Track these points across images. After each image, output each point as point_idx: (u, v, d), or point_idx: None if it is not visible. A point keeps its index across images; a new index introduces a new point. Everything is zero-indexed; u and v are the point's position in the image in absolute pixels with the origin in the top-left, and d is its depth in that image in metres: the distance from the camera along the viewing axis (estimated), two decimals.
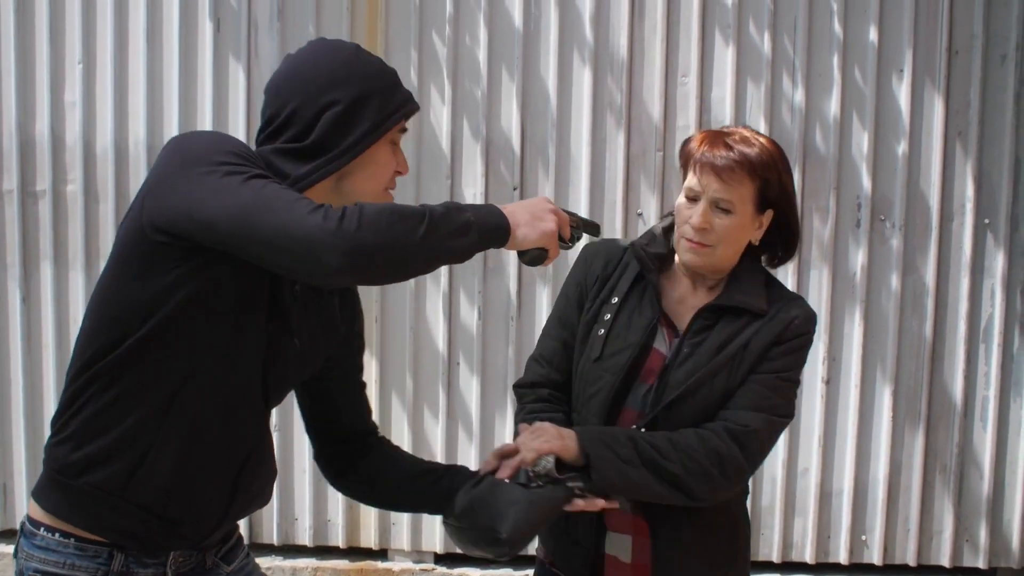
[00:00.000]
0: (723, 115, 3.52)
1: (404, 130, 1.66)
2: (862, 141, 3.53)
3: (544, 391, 1.96)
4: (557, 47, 3.54)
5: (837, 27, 3.50)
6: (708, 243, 1.82)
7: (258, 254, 1.40)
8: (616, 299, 1.91)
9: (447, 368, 3.63)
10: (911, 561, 3.67)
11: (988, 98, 3.53)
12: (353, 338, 1.84)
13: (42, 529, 1.58)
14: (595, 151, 3.56)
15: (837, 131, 3.51)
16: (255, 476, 1.69)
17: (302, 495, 3.69)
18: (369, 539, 3.72)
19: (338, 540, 3.72)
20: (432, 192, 3.51)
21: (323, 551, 3.74)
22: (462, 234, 1.46)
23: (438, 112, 3.57)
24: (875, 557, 3.66)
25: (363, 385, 1.90)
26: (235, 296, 1.53)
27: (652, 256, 1.90)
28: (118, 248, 1.53)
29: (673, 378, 1.81)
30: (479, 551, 1.73)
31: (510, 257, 3.58)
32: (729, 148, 1.80)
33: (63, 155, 3.62)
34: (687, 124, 3.53)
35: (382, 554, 3.75)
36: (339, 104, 1.55)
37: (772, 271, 1.96)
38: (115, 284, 1.52)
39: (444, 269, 3.58)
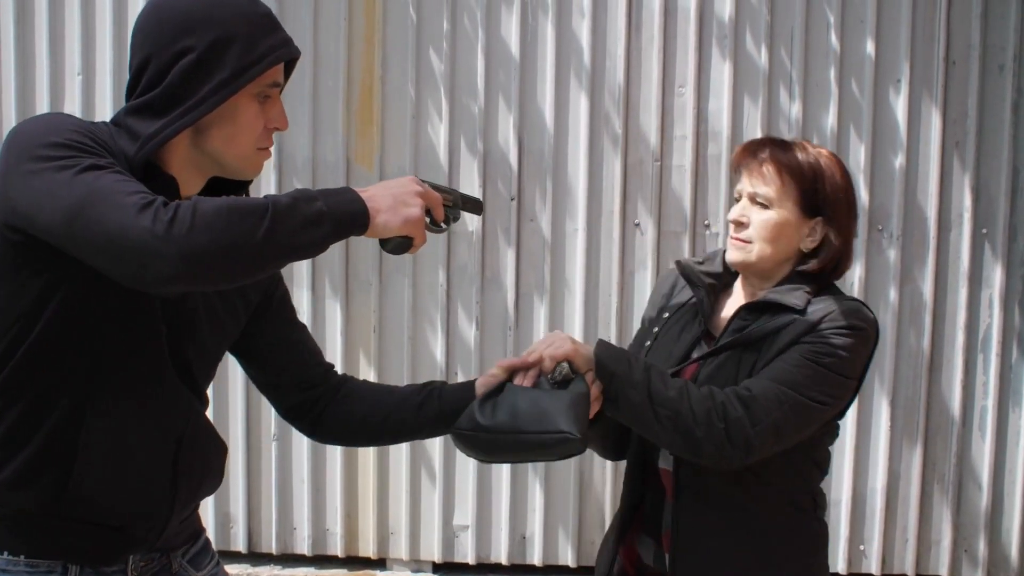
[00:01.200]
0: (720, 126, 3.53)
1: (277, 84, 1.49)
2: (859, 152, 3.53)
3: None
4: (554, 59, 3.54)
5: (834, 39, 3.51)
6: (746, 238, 1.82)
7: (91, 260, 1.30)
8: (667, 315, 1.96)
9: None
10: (909, 571, 3.67)
11: (985, 108, 3.53)
12: (271, 289, 1.74)
13: None
14: (592, 162, 3.57)
15: (834, 143, 3.51)
16: (194, 457, 1.60)
17: (300, 505, 3.69)
18: (368, 548, 3.73)
19: (337, 549, 3.73)
20: None
21: (322, 560, 3.75)
22: (312, 226, 1.33)
23: (435, 124, 3.58)
24: (873, 567, 3.65)
25: (301, 329, 1.81)
26: (117, 290, 1.40)
27: (703, 273, 1.91)
28: None
29: (703, 372, 1.81)
30: (532, 458, 1.71)
31: (507, 268, 3.59)
32: (764, 147, 1.84)
33: None
34: (684, 134, 3.54)
35: (380, 563, 3.75)
36: (194, 51, 1.40)
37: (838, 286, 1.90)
38: None
39: (441, 280, 3.59)
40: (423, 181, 1.53)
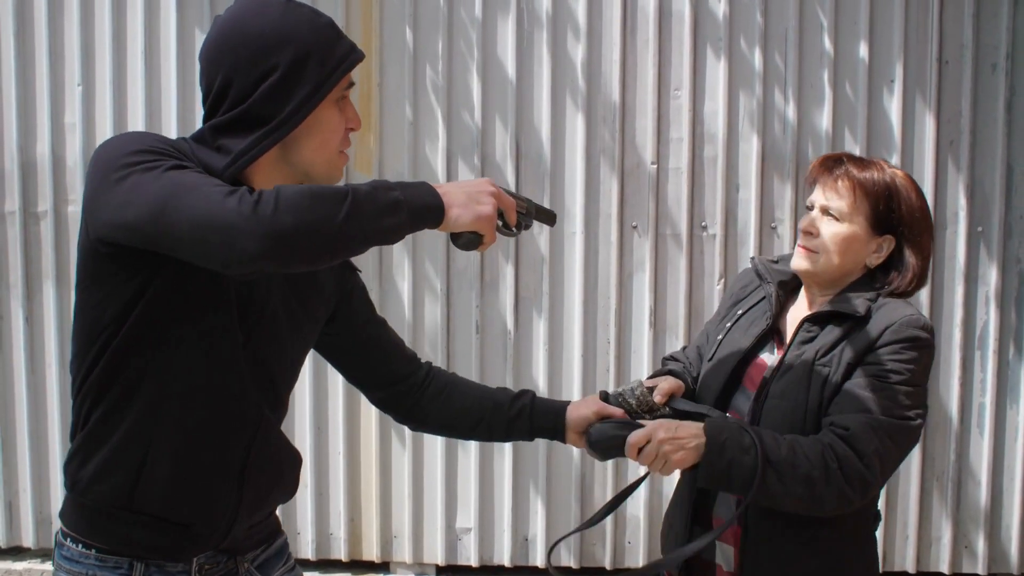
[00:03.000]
0: (716, 128, 3.55)
1: (351, 84, 1.58)
2: (854, 152, 3.54)
3: (673, 362, 2.16)
4: (550, 64, 3.57)
5: (827, 41, 3.53)
6: (813, 248, 1.86)
7: (178, 247, 1.35)
8: (740, 311, 2.01)
9: None
10: (910, 568, 3.69)
11: (979, 107, 3.55)
12: (349, 290, 1.81)
13: (68, 540, 1.61)
14: (589, 165, 3.59)
15: (830, 144, 3.54)
16: (263, 465, 1.65)
17: (304, 509, 3.72)
18: (371, 552, 3.75)
19: (340, 554, 3.75)
20: None
21: (326, 564, 3.77)
22: (389, 214, 1.39)
23: (433, 129, 3.61)
24: None
25: (382, 325, 1.90)
26: (199, 289, 1.50)
27: (774, 271, 1.97)
28: (79, 271, 1.53)
29: (774, 388, 1.84)
30: None
31: (506, 272, 3.62)
32: (840, 162, 1.88)
33: (64, 176, 3.67)
34: (680, 136, 3.56)
35: (384, 567, 3.78)
36: (277, 70, 1.48)
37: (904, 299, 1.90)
38: (86, 305, 1.53)
39: (441, 285, 3.61)
40: (499, 186, 1.59)
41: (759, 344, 1.94)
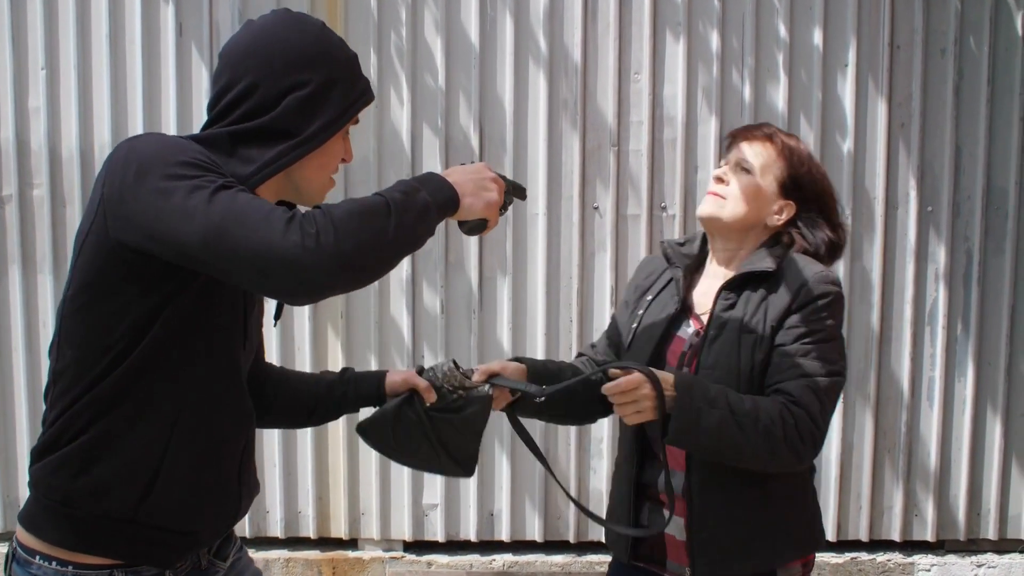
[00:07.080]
0: (675, 111, 3.63)
1: (356, 121, 1.63)
2: (809, 135, 3.65)
3: (580, 356, 2.21)
4: (512, 46, 3.62)
5: (783, 26, 3.61)
6: (722, 194, 1.95)
7: (235, 274, 1.35)
8: (650, 297, 2.08)
9: (412, 359, 3.72)
10: (863, 536, 3.81)
11: (929, 91, 3.66)
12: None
13: (37, 558, 1.52)
14: (551, 147, 3.65)
15: (785, 126, 3.61)
16: (249, 463, 1.70)
17: (273, 489, 3.76)
18: (339, 529, 3.81)
19: (309, 531, 3.81)
20: None
21: (294, 542, 3.82)
22: (425, 216, 1.45)
23: (397, 112, 3.65)
24: (829, 533, 3.78)
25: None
26: (221, 304, 1.52)
27: (682, 254, 2.05)
28: (86, 267, 1.46)
29: (704, 359, 1.91)
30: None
31: (470, 252, 3.67)
32: (770, 126, 2.01)
33: (29, 160, 3.67)
34: (640, 120, 3.64)
35: (352, 543, 3.83)
36: (307, 87, 1.50)
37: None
38: (92, 312, 1.47)
39: (406, 265, 3.66)
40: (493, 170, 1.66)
41: (673, 323, 2.01)
